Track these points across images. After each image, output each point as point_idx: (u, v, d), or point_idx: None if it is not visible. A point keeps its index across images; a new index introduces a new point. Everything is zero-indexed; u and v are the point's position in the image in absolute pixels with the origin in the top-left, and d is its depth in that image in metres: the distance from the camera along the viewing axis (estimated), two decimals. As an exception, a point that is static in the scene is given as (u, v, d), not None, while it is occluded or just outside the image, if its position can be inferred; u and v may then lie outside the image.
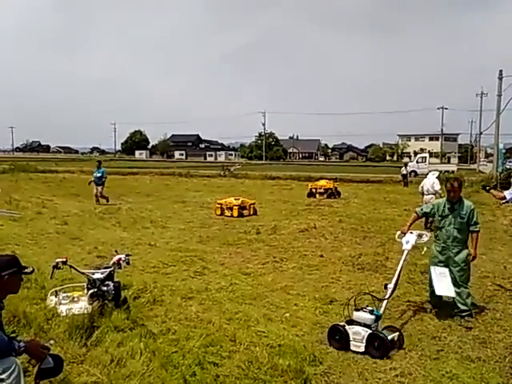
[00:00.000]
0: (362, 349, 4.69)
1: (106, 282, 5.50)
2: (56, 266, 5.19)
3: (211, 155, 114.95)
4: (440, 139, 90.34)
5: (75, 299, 5.48)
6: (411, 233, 5.82)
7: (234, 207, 14.67)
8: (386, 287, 5.31)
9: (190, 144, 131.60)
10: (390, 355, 4.64)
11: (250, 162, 78.59)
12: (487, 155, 73.73)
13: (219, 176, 36.35)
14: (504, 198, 7.21)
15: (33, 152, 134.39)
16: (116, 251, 6.52)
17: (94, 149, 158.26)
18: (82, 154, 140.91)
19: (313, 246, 10.18)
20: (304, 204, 18.34)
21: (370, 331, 4.71)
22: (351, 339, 4.76)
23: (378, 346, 4.62)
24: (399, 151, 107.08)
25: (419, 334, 5.27)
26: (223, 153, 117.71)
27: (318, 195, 21.30)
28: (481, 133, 57.88)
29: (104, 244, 9.79)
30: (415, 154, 72.29)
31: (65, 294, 5.56)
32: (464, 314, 5.78)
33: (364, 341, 4.69)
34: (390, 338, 4.72)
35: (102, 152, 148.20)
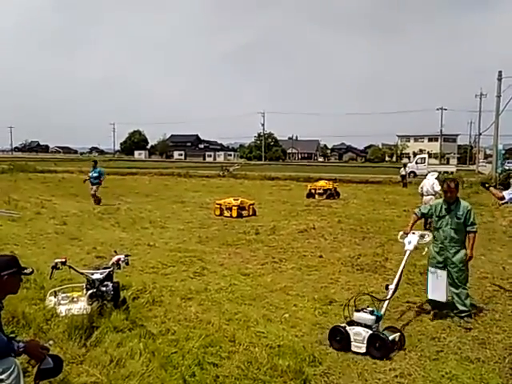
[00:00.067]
0: (363, 350, 4.68)
1: (105, 283, 5.49)
2: (55, 267, 5.19)
3: (210, 155, 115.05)
4: (439, 140, 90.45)
5: (74, 299, 5.47)
6: (413, 233, 5.82)
7: (233, 208, 14.66)
8: (387, 288, 5.30)
9: (189, 144, 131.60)
10: (389, 356, 4.64)
11: (249, 163, 78.61)
12: (486, 156, 73.86)
13: (218, 176, 36.37)
14: (503, 197, 7.21)
15: (32, 152, 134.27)
16: (115, 251, 6.51)
17: (93, 149, 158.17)
18: (81, 154, 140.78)
19: (312, 246, 10.18)
20: (303, 204, 18.34)
21: (370, 332, 4.71)
22: (352, 340, 4.76)
23: (379, 347, 4.62)
24: (398, 152, 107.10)
25: (419, 335, 5.27)
26: (222, 153, 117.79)
27: (317, 196, 21.30)
28: (480, 134, 58.01)
29: (103, 244, 9.78)
30: (414, 154, 72.37)
31: (64, 295, 5.55)
32: (463, 314, 5.78)
33: (365, 342, 4.68)
34: (390, 338, 4.72)
35: (101, 152, 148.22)
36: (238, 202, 15.01)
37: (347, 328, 4.84)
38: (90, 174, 17.68)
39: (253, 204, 15.60)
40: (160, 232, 11.72)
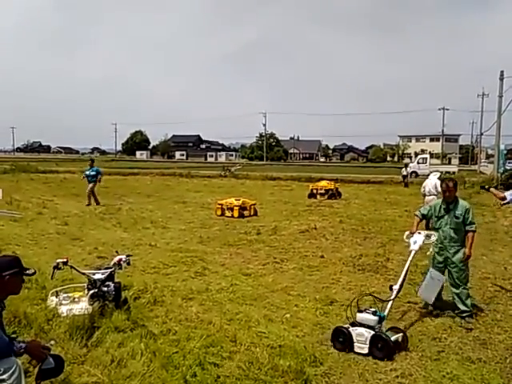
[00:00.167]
0: (366, 350, 4.67)
1: (107, 283, 5.49)
2: (57, 267, 5.19)
3: (212, 156, 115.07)
4: (441, 140, 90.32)
5: (76, 300, 5.48)
6: (419, 233, 5.79)
7: (235, 208, 14.67)
8: (391, 288, 5.26)
9: (190, 144, 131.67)
10: (392, 356, 4.63)
11: (251, 163, 78.62)
12: (488, 156, 73.79)
13: (220, 176, 36.38)
14: (504, 198, 7.20)
15: (34, 152, 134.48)
16: (116, 252, 6.52)
17: (94, 149, 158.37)
18: (83, 154, 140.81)
19: (313, 246, 10.18)
20: (304, 205, 18.34)
21: (373, 333, 4.70)
22: (355, 341, 4.75)
23: (382, 348, 4.61)
24: (400, 152, 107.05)
25: (420, 335, 5.27)
26: (224, 153, 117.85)
27: (318, 196, 21.29)
28: (482, 134, 57.91)
29: (104, 244, 9.79)
30: (416, 154, 72.21)
31: (65, 295, 5.56)
32: (464, 314, 5.78)
33: (367, 342, 4.67)
34: (393, 339, 4.71)
35: (103, 152, 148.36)
36: (240, 202, 15.01)
37: (350, 329, 4.83)
38: (87, 173, 17.51)
39: (254, 204, 15.60)
40: (161, 232, 11.73)
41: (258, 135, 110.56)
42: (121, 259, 5.83)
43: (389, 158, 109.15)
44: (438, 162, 70.59)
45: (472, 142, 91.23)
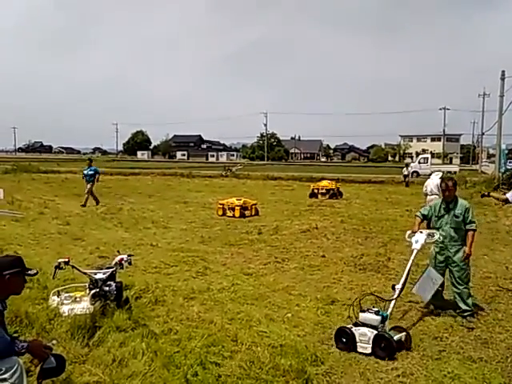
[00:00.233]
0: (369, 350, 4.67)
1: (108, 282, 5.50)
2: (58, 266, 5.20)
3: (213, 156, 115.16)
4: (442, 140, 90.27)
5: (77, 299, 5.48)
6: (421, 232, 5.76)
7: (236, 207, 14.67)
8: (393, 288, 5.26)
9: (191, 144, 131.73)
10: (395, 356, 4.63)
11: (252, 163, 78.64)
12: (489, 156, 73.59)
13: (221, 176, 36.38)
14: (507, 200, 7.19)
15: (35, 152, 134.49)
16: (118, 251, 6.53)
17: (96, 149, 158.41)
18: (84, 154, 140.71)
19: (314, 246, 10.18)
20: (306, 204, 18.34)
21: (376, 332, 4.69)
22: (358, 341, 4.74)
23: (385, 347, 4.60)
24: (401, 152, 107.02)
25: (421, 335, 5.27)
26: (225, 153, 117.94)
27: (320, 196, 21.28)
28: (483, 133, 57.77)
29: (106, 244, 9.81)
30: (417, 154, 72.17)
31: (67, 294, 5.57)
32: (466, 313, 5.78)
33: (370, 342, 4.66)
34: (396, 338, 4.70)
35: (104, 152, 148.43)
36: (241, 201, 15.02)
37: (353, 329, 4.82)
38: (85, 172, 17.42)
39: (255, 204, 15.61)
40: (163, 232, 11.74)
41: (259, 135, 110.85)
42: (122, 259, 5.84)
43: (390, 158, 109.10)
44: (440, 161, 70.49)
45: (473, 142, 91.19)
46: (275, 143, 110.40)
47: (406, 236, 5.94)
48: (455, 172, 39.51)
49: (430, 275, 5.75)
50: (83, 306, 5.31)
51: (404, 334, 4.89)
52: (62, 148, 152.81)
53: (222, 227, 12.62)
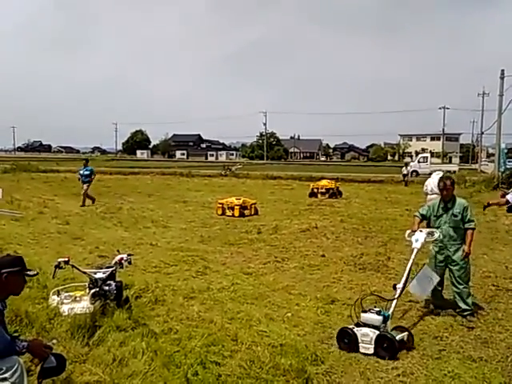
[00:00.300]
0: (371, 351, 4.65)
1: (108, 282, 5.50)
2: (58, 266, 5.20)
3: (212, 155, 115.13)
4: (441, 139, 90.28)
5: (77, 299, 5.48)
6: (421, 231, 5.74)
7: (236, 207, 14.67)
8: (394, 287, 5.23)
9: (191, 144, 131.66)
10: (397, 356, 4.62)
11: (251, 162, 78.62)
12: (489, 155, 73.68)
13: (220, 176, 36.36)
14: (507, 201, 7.19)
15: (34, 152, 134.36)
16: (118, 251, 6.53)
17: (95, 148, 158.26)
18: (84, 153, 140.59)
19: (314, 245, 10.18)
20: (305, 204, 18.34)
21: (378, 332, 4.67)
22: (360, 341, 4.72)
23: (387, 347, 4.59)
24: (401, 151, 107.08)
25: (421, 334, 5.27)
26: (224, 152, 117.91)
27: (319, 195, 21.28)
28: (482, 132, 57.81)
29: (105, 244, 9.80)
30: (416, 153, 72.22)
31: (67, 294, 5.57)
32: (466, 313, 5.78)
33: (372, 342, 4.65)
34: (398, 338, 4.69)
35: (104, 152, 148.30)
36: (240, 201, 15.02)
37: (355, 329, 4.80)
38: (81, 173, 17.36)
39: (255, 203, 15.61)
40: (162, 231, 11.74)
41: (258, 134, 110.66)
42: (122, 258, 5.84)
43: (389, 157, 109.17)
44: (439, 161, 70.57)
45: (473, 141, 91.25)
46: (275, 142, 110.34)
47: (406, 235, 5.92)
48: (455, 171, 39.51)
49: (426, 273, 5.73)
50: (83, 305, 5.31)
51: (406, 333, 4.88)
52: (62, 147, 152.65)
53: (221, 226, 12.62)
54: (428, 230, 5.84)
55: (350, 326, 4.89)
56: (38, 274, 3.62)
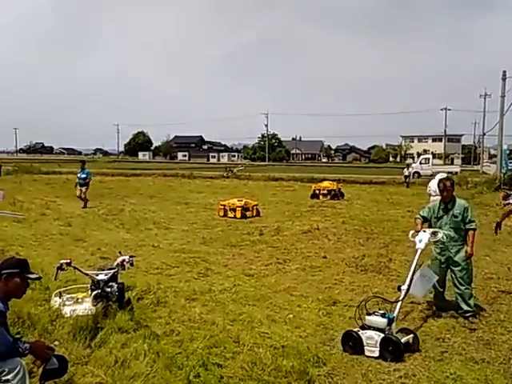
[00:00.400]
0: (377, 353, 4.62)
1: (110, 284, 5.50)
2: (60, 268, 5.20)
3: (214, 156, 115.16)
4: (443, 140, 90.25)
5: (79, 300, 5.49)
6: (424, 231, 5.70)
7: (237, 208, 14.68)
8: (399, 289, 5.19)
9: (192, 145, 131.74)
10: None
11: (253, 164, 78.69)
12: (491, 156, 73.50)
13: (222, 177, 36.39)
14: (510, 203, 7.19)
15: (36, 153, 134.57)
16: (120, 252, 6.53)
17: (97, 150, 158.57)
18: (86, 155, 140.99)
19: (316, 247, 10.18)
20: (307, 205, 18.33)
21: (382, 335, 4.65)
22: (365, 344, 4.70)
23: (392, 350, 4.56)
24: (402, 152, 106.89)
25: (423, 336, 5.25)
26: (226, 154, 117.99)
27: (321, 196, 21.27)
28: (484, 134, 57.81)
29: (107, 245, 9.81)
30: (418, 155, 72.12)
31: (69, 296, 5.58)
32: (468, 314, 5.77)
33: (377, 345, 4.62)
34: (403, 340, 4.67)
35: (105, 153, 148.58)
36: (242, 202, 15.02)
37: (360, 332, 4.78)
38: (78, 175, 17.31)
39: (257, 205, 15.61)
40: (164, 233, 11.75)
41: (260, 136, 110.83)
42: (124, 260, 5.84)
43: (391, 159, 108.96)
44: (441, 162, 70.57)
45: (474, 142, 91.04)
46: (276, 144, 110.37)
47: (410, 236, 5.88)
48: (456, 172, 39.48)
49: (424, 273, 5.71)
50: (85, 307, 5.31)
51: (411, 336, 4.85)
52: (64, 149, 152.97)
53: (223, 228, 12.62)
54: (431, 230, 5.81)
55: (355, 329, 4.86)
56: (41, 278, 3.61)
